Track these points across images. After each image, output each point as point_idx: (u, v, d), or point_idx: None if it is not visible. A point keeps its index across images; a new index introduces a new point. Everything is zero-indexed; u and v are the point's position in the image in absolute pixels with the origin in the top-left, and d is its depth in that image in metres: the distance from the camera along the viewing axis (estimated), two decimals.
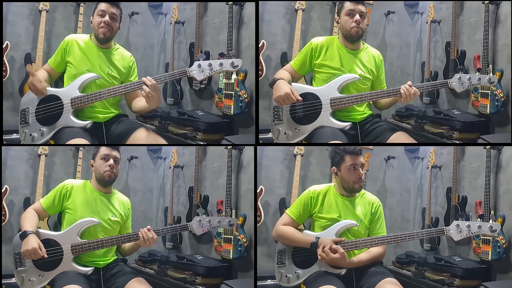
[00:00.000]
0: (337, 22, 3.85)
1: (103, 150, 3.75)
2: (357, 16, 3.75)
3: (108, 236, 3.70)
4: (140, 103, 3.87)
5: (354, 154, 3.63)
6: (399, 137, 3.78)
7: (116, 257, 3.80)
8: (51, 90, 3.84)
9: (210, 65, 3.76)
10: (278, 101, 3.79)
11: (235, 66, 3.77)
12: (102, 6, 3.84)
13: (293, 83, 3.86)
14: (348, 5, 3.77)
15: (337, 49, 3.84)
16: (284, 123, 3.85)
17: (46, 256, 3.60)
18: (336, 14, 3.87)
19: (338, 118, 3.80)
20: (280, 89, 3.78)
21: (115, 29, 3.88)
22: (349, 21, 3.77)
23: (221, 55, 4.46)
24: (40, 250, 3.57)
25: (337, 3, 4.66)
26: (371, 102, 3.91)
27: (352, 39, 3.80)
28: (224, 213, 4.44)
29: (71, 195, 3.74)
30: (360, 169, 3.64)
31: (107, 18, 3.82)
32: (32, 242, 3.58)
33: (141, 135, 3.88)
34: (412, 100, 3.72)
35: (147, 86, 3.70)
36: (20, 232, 3.64)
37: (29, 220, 3.70)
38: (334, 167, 3.69)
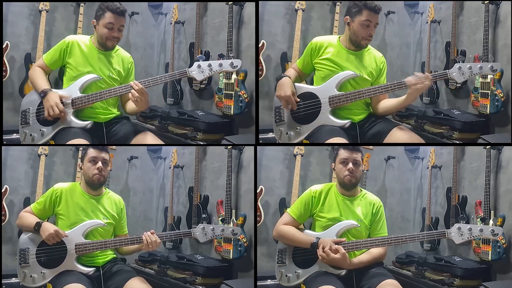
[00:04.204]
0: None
1: (91, 152, 3.72)
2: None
3: (101, 237, 3.70)
4: (131, 104, 3.87)
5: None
6: (397, 133, 3.77)
7: (114, 255, 3.80)
8: (54, 91, 3.83)
9: (209, 65, 3.76)
10: (278, 99, 3.80)
11: (234, 67, 3.77)
12: (109, 17, 3.79)
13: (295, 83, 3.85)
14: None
15: (338, 48, 3.83)
16: (286, 124, 3.85)
17: (67, 235, 3.63)
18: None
19: (339, 116, 3.80)
20: (282, 89, 3.79)
21: (120, 38, 3.88)
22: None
23: (221, 56, 4.46)
24: (59, 231, 3.62)
25: (337, 3, 4.67)
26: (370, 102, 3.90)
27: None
28: (224, 212, 4.45)
29: (61, 201, 3.73)
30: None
31: (115, 33, 3.82)
32: (51, 227, 3.63)
33: (144, 138, 3.89)
34: (421, 91, 3.68)
35: (135, 90, 3.71)
36: (34, 225, 3.65)
37: (31, 216, 3.73)
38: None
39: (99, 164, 3.70)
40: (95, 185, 3.73)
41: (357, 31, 3.76)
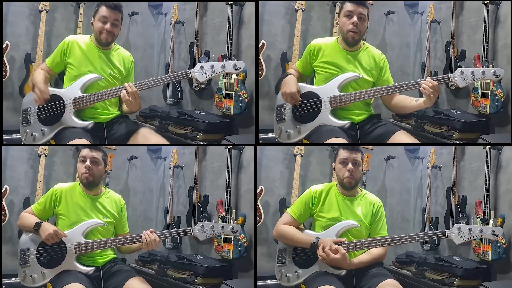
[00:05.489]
0: (337, 23, 3.83)
1: (82, 152, 3.74)
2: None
3: (102, 237, 3.71)
4: (124, 106, 3.89)
5: (354, 1, 3.66)
6: (401, 137, 3.77)
7: (115, 255, 3.80)
8: (53, 90, 3.84)
9: (212, 67, 3.76)
10: (283, 96, 3.81)
11: (237, 68, 3.77)
12: (103, 11, 3.81)
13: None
14: (348, 6, 3.75)
15: (335, 50, 3.83)
16: (286, 122, 3.85)
17: (66, 235, 3.64)
18: (336, 15, 3.85)
19: (339, 117, 3.80)
20: (288, 86, 3.80)
21: (116, 34, 3.87)
22: (347, 22, 3.75)
23: (223, 57, 4.45)
24: (58, 231, 3.63)
25: (337, 3, 4.67)
26: (371, 101, 3.91)
27: (349, 44, 3.79)
28: (224, 212, 4.45)
29: (61, 201, 3.73)
30: None
31: (109, 26, 3.81)
32: (50, 227, 3.64)
33: (144, 133, 3.89)
34: (436, 96, 3.62)
35: (127, 92, 3.72)
36: (33, 225, 3.66)
37: (31, 216, 3.74)
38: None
39: (87, 163, 3.70)
40: (85, 185, 3.74)
41: (342, 25, 3.77)
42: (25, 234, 3.73)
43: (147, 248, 3.63)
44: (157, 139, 3.95)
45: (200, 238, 3.66)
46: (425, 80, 3.60)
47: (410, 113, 4.58)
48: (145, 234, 3.62)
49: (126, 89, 3.73)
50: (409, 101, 3.76)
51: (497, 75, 3.64)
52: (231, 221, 4.39)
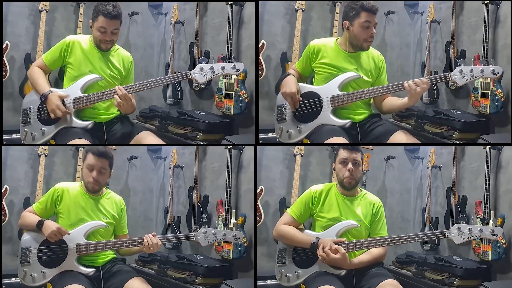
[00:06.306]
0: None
1: (89, 159, 3.71)
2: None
3: (103, 238, 3.71)
4: None
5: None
6: (400, 136, 3.78)
7: (114, 255, 3.80)
8: (54, 90, 3.84)
9: (212, 68, 3.77)
10: (283, 96, 3.81)
11: (236, 70, 3.78)
12: (102, 22, 3.78)
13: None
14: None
15: (336, 51, 3.83)
16: (287, 122, 3.86)
17: (69, 233, 3.64)
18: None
19: (340, 116, 3.80)
20: (288, 86, 3.81)
21: (116, 39, 3.85)
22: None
23: (223, 59, 4.45)
24: (61, 229, 3.63)
25: (337, 3, 4.67)
26: (371, 101, 3.91)
27: (354, 48, 3.81)
28: (224, 212, 4.45)
29: (62, 200, 3.73)
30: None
31: (108, 35, 3.81)
32: (53, 224, 3.64)
33: (145, 137, 3.90)
34: (420, 94, 3.67)
35: (118, 95, 3.72)
36: (36, 223, 3.66)
37: (32, 215, 3.74)
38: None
39: (94, 173, 3.70)
40: (90, 191, 3.74)
41: (357, 34, 3.77)
42: (26, 233, 3.73)
43: (148, 251, 3.64)
44: (158, 142, 3.97)
45: (202, 244, 3.67)
46: (420, 79, 3.64)
47: (410, 113, 4.59)
48: (147, 238, 3.62)
49: (116, 92, 3.74)
50: (395, 101, 3.81)
51: (495, 73, 3.66)
52: (231, 222, 4.40)
